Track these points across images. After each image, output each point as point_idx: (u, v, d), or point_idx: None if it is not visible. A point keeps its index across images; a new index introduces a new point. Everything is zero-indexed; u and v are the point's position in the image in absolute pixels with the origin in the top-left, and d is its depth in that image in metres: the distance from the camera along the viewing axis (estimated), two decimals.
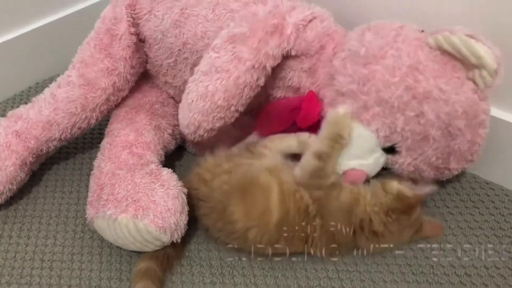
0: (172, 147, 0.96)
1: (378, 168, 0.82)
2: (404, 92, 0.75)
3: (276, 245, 0.77)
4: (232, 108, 0.80)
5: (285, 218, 0.76)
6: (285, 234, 0.76)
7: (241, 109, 0.82)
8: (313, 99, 0.83)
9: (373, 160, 0.80)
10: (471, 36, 0.72)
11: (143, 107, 0.95)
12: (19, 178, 0.87)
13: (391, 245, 0.80)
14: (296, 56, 0.84)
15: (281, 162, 0.81)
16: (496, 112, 0.90)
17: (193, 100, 0.80)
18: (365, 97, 0.77)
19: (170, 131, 0.95)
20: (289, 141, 0.83)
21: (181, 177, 0.82)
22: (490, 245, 0.85)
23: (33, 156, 0.89)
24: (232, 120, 0.82)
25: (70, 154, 1.01)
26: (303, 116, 0.83)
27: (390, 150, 0.80)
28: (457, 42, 0.72)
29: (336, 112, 0.76)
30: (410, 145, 0.78)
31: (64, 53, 0.99)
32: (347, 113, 0.76)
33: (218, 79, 0.79)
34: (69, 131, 0.91)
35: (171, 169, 0.84)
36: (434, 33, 0.75)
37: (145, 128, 0.90)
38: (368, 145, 0.79)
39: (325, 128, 0.77)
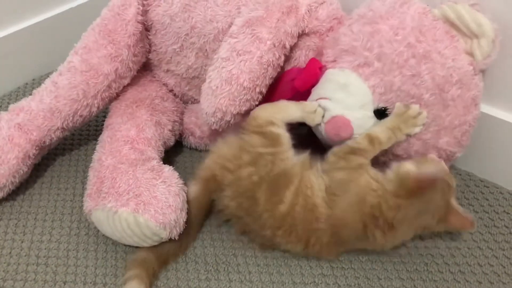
0: (171, 143, 0.97)
1: (365, 127, 0.81)
2: (405, 49, 0.77)
3: (277, 232, 0.78)
4: (257, 89, 0.82)
5: (291, 211, 0.77)
6: (285, 226, 0.78)
7: (264, 90, 0.84)
8: (315, 62, 0.85)
9: (361, 115, 0.80)
10: (473, 6, 0.77)
11: (144, 101, 0.95)
12: (22, 172, 0.87)
13: (410, 235, 0.79)
14: (304, 34, 0.87)
15: (307, 157, 0.81)
16: (490, 110, 0.91)
17: (217, 86, 0.81)
18: (367, 53, 0.79)
19: (170, 127, 0.95)
20: (292, 110, 0.83)
21: (179, 174, 0.83)
22: (484, 243, 0.85)
23: (36, 148, 0.89)
24: (257, 102, 0.84)
25: (66, 150, 1.01)
26: (303, 78, 0.84)
27: (382, 115, 0.80)
28: (461, 10, 0.76)
29: (406, 106, 0.78)
30: None
31: (60, 50, 0.99)
32: (414, 111, 0.78)
33: (241, 61, 0.81)
34: (71, 119, 0.91)
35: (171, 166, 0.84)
36: (439, 5, 0.79)
37: (146, 124, 0.91)
38: (363, 99, 0.80)
39: (390, 118, 0.79)
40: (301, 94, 0.85)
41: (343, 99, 0.80)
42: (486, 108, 0.91)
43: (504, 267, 0.81)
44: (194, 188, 0.84)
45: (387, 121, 0.79)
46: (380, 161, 0.86)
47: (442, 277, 0.80)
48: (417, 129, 0.79)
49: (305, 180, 0.78)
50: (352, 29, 0.82)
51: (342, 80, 0.80)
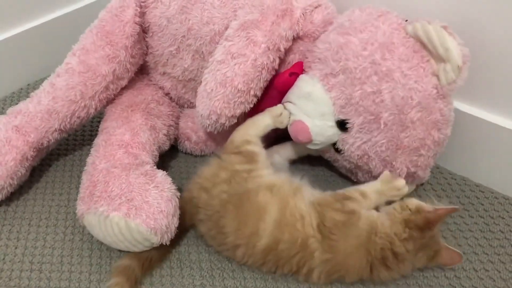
0: (166, 148, 0.96)
1: (324, 136, 0.83)
2: (369, 65, 0.78)
3: (262, 268, 0.78)
4: (252, 92, 0.83)
5: (273, 247, 0.75)
6: (269, 263, 0.76)
7: (258, 93, 0.85)
8: (297, 66, 0.87)
9: (321, 124, 0.82)
10: (445, 29, 0.75)
11: (139, 105, 0.95)
12: (20, 174, 0.87)
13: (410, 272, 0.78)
14: (299, 38, 0.87)
15: (291, 180, 0.80)
16: (487, 115, 0.91)
17: (212, 89, 0.83)
18: (334, 64, 0.81)
19: (165, 131, 0.95)
20: (262, 121, 0.85)
21: (173, 179, 0.82)
22: (479, 248, 0.85)
23: (34, 150, 0.89)
24: (251, 105, 0.85)
25: (61, 155, 1.00)
26: (279, 77, 0.86)
27: (342, 127, 0.82)
28: (431, 30, 0.75)
29: (392, 177, 0.80)
30: (361, 124, 0.80)
31: (56, 55, 0.99)
32: (398, 184, 0.80)
33: (235, 64, 0.82)
34: (68, 120, 0.91)
35: (165, 171, 0.84)
36: (414, 21, 0.78)
37: (141, 128, 0.90)
38: (323, 108, 0.82)
39: (377, 183, 0.80)
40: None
41: (305, 106, 0.83)
42: (482, 114, 0.91)
43: (500, 272, 0.81)
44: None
45: (375, 184, 0.80)
46: (348, 169, 0.89)
47: (438, 282, 0.80)
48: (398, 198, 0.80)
49: (291, 209, 0.76)
50: (328, 37, 0.84)
51: (307, 89, 0.83)
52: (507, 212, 0.91)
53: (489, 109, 0.91)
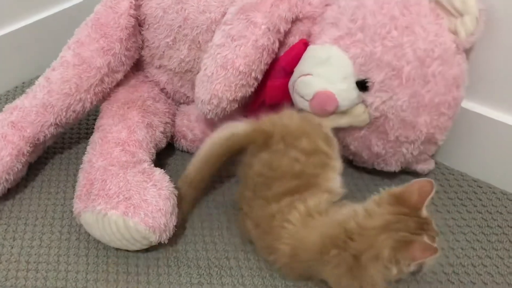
0: (163, 145, 0.96)
1: (350, 99, 0.82)
2: (388, 21, 0.78)
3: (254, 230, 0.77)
4: (253, 74, 0.83)
5: (275, 217, 0.74)
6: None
7: (259, 76, 0.84)
8: (301, 41, 0.87)
9: (346, 87, 0.81)
10: None
11: (135, 103, 0.94)
12: (16, 169, 0.86)
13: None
14: (298, 20, 0.87)
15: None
16: (485, 110, 0.91)
17: (213, 73, 0.82)
18: (351, 25, 0.81)
19: (161, 129, 0.94)
20: (342, 121, 0.84)
21: (170, 177, 0.82)
22: (478, 243, 0.85)
23: (30, 145, 0.88)
24: (252, 89, 0.84)
25: (56, 154, 1.00)
26: (287, 54, 0.86)
27: (362, 87, 0.81)
28: None
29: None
30: (382, 82, 0.79)
31: (51, 53, 0.98)
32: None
33: (236, 46, 0.82)
34: (64, 114, 0.90)
35: (162, 169, 0.83)
36: None
37: (138, 126, 0.90)
38: (344, 70, 0.81)
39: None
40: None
41: (325, 73, 0.81)
42: (480, 109, 0.91)
43: (498, 267, 0.81)
44: (244, 127, 0.80)
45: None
46: (361, 136, 0.87)
47: (436, 278, 0.79)
48: None
49: (310, 194, 0.74)
50: (339, 4, 0.85)
51: (323, 55, 0.82)
52: (505, 207, 0.91)
53: (487, 104, 0.91)
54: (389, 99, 0.80)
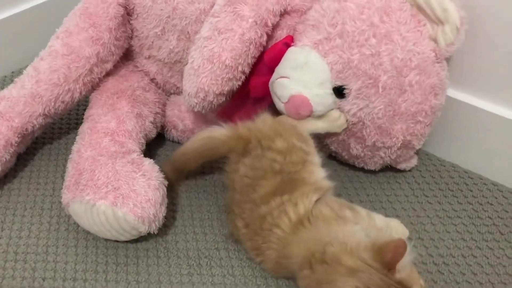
0: (153, 136, 0.95)
1: (325, 105, 0.82)
2: (367, 28, 0.78)
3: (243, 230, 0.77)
4: (240, 68, 0.82)
5: (265, 218, 0.73)
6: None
7: (246, 70, 0.83)
8: (286, 38, 0.86)
9: (321, 92, 0.81)
10: None
11: (125, 92, 0.94)
12: (4, 159, 0.85)
13: None
14: (286, 14, 0.86)
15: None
16: (475, 101, 0.91)
17: (199, 66, 0.81)
18: (330, 29, 0.80)
19: (151, 119, 0.94)
20: (317, 125, 0.84)
21: (160, 167, 0.82)
22: (468, 234, 0.85)
23: (18, 135, 0.87)
24: (239, 82, 0.84)
25: (46, 144, 0.99)
26: (270, 51, 0.85)
27: (339, 94, 0.81)
28: None
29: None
30: (359, 89, 0.80)
31: (40, 41, 0.97)
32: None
33: (223, 39, 0.81)
34: (52, 104, 0.89)
35: (152, 159, 0.83)
36: None
37: (127, 116, 0.89)
38: (321, 76, 0.81)
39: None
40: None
41: (302, 77, 0.81)
42: (472, 100, 0.91)
43: (488, 258, 0.81)
44: (223, 131, 0.81)
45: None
46: (340, 139, 0.88)
47: (426, 268, 0.79)
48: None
49: (300, 194, 0.74)
50: (322, 5, 0.83)
51: (302, 58, 0.81)
52: (496, 198, 0.91)
53: (479, 95, 0.91)
54: (365, 106, 0.81)
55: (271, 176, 0.75)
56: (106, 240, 0.80)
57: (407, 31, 0.77)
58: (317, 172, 0.78)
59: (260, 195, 0.75)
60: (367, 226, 0.75)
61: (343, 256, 0.65)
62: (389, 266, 0.62)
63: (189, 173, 0.90)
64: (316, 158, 0.79)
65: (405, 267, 0.63)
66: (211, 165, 0.94)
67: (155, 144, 0.99)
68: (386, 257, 0.62)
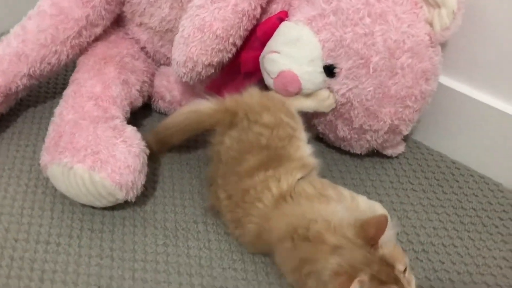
0: (138, 104, 0.94)
1: (314, 83, 0.80)
2: (362, 7, 0.76)
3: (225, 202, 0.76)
4: (231, 40, 0.80)
5: (248, 191, 0.72)
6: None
7: (238, 42, 0.82)
8: (280, 13, 0.84)
9: (311, 70, 0.79)
10: None
11: (113, 58, 0.92)
12: None
13: None
14: None
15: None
16: (467, 90, 0.89)
17: (189, 34, 0.79)
18: (325, 5, 0.79)
19: (138, 87, 0.92)
20: (306, 103, 0.83)
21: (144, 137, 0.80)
22: (450, 224, 0.84)
23: (1, 95, 0.86)
24: (230, 55, 0.82)
25: (30, 106, 0.97)
26: (263, 26, 0.84)
27: (329, 73, 0.79)
28: None
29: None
30: (350, 69, 0.78)
31: (28, 2, 0.95)
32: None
33: (215, 8, 0.79)
34: (38, 65, 0.88)
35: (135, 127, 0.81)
36: None
37: (113, 82, 0.87)
38: (312, 53, 0.79)
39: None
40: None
41: (293, 52, 0.79)
42: (463, 88, 0.90)
43: (468, 248, 0.80)
44: (209, 105, 0.80)
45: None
46: (327, 120, 0.86)
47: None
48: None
49: (284, 171, 0.73)
50: None
51: (294, 33, 0.80)
52: (481, 190, 0.90)
53: (473, 85, 0.89)
54: (355, 87, 0.79)
55: (257, 150, 0.74)
56: (83, 205, 0.79)
57: (403, 12, 0.76)
58: (303, 148, 0.77)
59: (245, 168, 0.74)
60: (350, 207, 0.73)
61: (327, 234, 0.64)
62: (371, 241, 0.62)
63: (173, 146, 0.89)
64: (302, 134, 0.78)
65: (387, 243, 0.63)
66: (196, 139, 0.92)
67: (141, 114, 0.97)
68: (369, 232, 0.62)
